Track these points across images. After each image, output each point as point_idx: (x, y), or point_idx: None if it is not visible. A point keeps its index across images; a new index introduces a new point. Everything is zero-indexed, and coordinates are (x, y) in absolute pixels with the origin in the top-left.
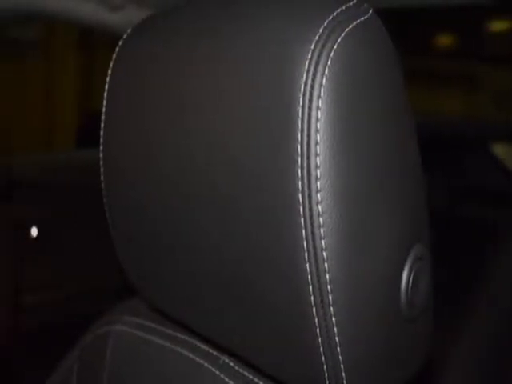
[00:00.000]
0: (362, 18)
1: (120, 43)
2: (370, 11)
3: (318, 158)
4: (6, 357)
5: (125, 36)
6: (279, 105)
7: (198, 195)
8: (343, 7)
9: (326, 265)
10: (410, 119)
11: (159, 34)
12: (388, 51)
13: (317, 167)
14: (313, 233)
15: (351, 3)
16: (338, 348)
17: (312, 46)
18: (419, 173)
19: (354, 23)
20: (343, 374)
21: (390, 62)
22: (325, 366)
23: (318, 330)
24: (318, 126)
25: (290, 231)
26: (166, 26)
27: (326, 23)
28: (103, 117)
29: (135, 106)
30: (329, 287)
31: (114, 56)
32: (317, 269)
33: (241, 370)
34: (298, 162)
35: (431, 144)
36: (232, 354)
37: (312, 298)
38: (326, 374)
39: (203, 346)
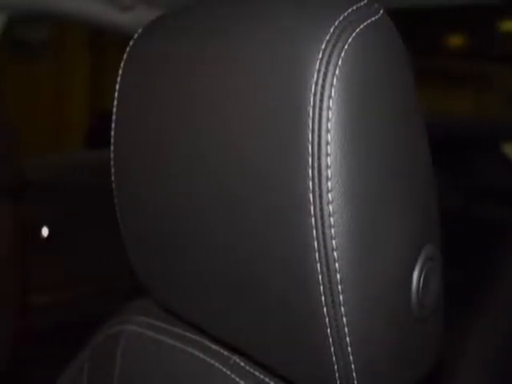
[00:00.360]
0: (373, 18)
1: (130, 43)
2: (381, 11)
3: (328, 158)
4: (16, 357)
5: (135, 36)
6: (290, 105)
7: (208, 195)
8: (354, 7)
9: (336, 265)
10: (420, 119)
11: (169, 34)
12: (399, 51)
13: (327, 167)
14: (323, 233)
15: (362, 3)
16: (349, 348)
17: (323, 46)
18: (430, 173)
19: (365, 23)
20: (354, 374)
21: (400, 62)
22: (335, 366)
23: (328, 330)
24: (329, 126)
25: (301, 231)
26: (176, 25)
27: (336, 23)
28: (114, 117)
29: (146, 105)
30: (340, 287)
31: (125, 56)
32: (328, 269)
33: (252, 370)
34: (308, 162)
35: (442, 144)
36: (243, 354)
37: (323, 297)
38: (337, 374)
39: (214, 346)
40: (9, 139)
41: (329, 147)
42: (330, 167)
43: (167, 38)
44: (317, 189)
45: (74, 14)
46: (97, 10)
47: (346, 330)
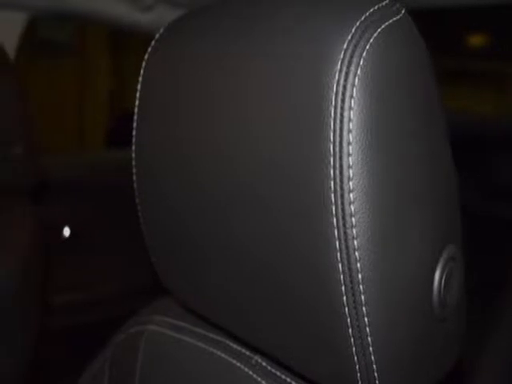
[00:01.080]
0: (395, 18)
1: (152, 43)
2: (403, 11)
3: (350, 158)
4: (37, 357)
5: (157, 36)
6: (312, 105)
7: (229, 195)
8: (375, 7)
9: (358, 265)
10: (442, 119)
11: (191, 34)
12: (420, 51)
13: (349, 167)
14: (345, 233)
15: (383, 3)
16: (371, 348)
17: (345, 46)
18: (452, 173)
19: (387, 23)
20: (375, 374)
21: (421, 62)
22: (357, 366)
23: (350, 330)
24: (351, 126)
25: (323, 231)
26: (197, 25)
27: (358, 23)
28: (136, 117)
29: (167, 105)
30: (361, 287)
31: (147, 56)
32: (349, 269)
33: (273, 370)
34: (330, 162)
35: (462, 143)
36: (264, 354)
37: (344, 298)
38: (359, 374)
39: (235, 346)
40: (30, 139)
41: (350, 147)
42: (351, 167)
43: (189, 38)
44: (338, 189)
45: (96, 14)
46: (118, 11)
47: (368, 330)
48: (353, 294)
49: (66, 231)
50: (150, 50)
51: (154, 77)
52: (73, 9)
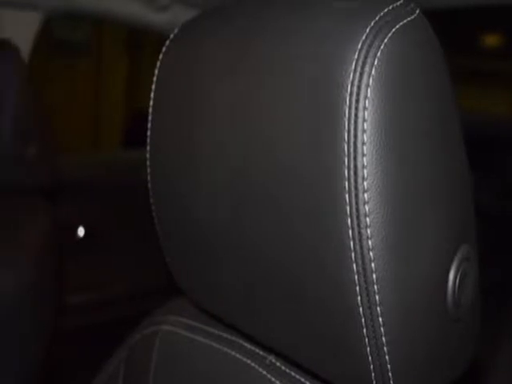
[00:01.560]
0: (409, 18)
1: (167, 43)
2: (417, 11)
3: (364, 158)
4: (52, 356)
5: (171, 36)
6: (326, 105)
7: (244, 195)
8: (390, 7)
9: (372, 265)
10: (456, 119)
11: (206, 34)
12: (435, 51)
13: (364, 167)
14: (360, 233)
15: (398, 3)
16: (385, 348)
17: (359, 46)
18: (466, 172)
19: (401, 23)
20: (390, 374)
21: (436, 62)
22: (371, 366)
23: (364, 330)
24: (365, 127)
25: (337, 231)
26: (211, 25)
27: (372, 23)
28: (150, 116)
29: (182, 105)
30: (376, 287)
31: (161, 56)
32: (364, 269)
33: (287, 370)
34: (344, 162)
35: (477, 143)
36: (279, 354)
37: (359, 298)
38: (373, 374)
39: (249, 346)
40: (44, 139)
41: (365, 147)
42: (366, 167)
43: (203, 38)
44: (353, 189)
45: (111, 13)
46: (134, 10)
47: (382, 329)
48: (367, 294)
49: (81, 231)
50: (164, 50)
51: (168, 77)
52: (88, 8)
